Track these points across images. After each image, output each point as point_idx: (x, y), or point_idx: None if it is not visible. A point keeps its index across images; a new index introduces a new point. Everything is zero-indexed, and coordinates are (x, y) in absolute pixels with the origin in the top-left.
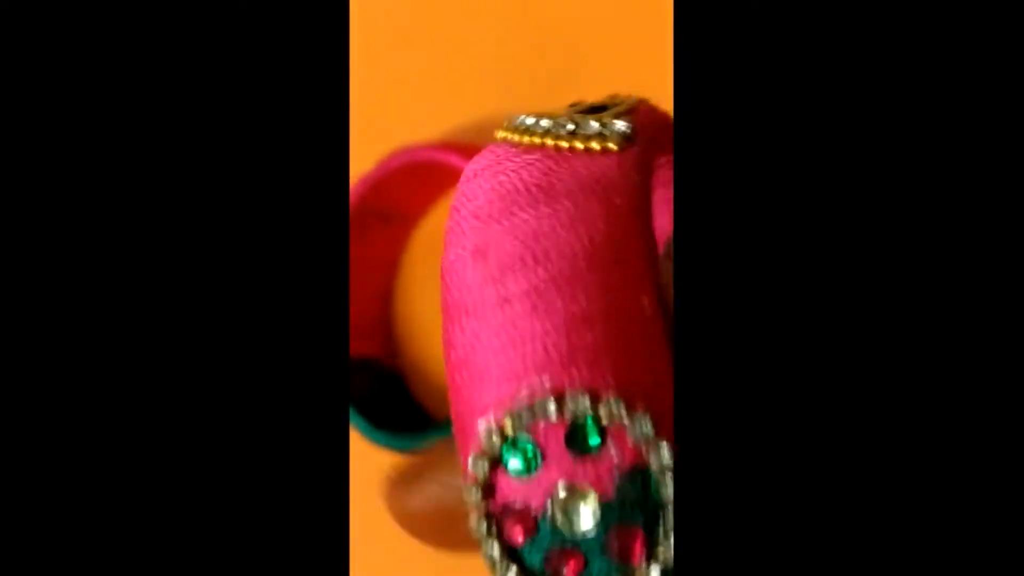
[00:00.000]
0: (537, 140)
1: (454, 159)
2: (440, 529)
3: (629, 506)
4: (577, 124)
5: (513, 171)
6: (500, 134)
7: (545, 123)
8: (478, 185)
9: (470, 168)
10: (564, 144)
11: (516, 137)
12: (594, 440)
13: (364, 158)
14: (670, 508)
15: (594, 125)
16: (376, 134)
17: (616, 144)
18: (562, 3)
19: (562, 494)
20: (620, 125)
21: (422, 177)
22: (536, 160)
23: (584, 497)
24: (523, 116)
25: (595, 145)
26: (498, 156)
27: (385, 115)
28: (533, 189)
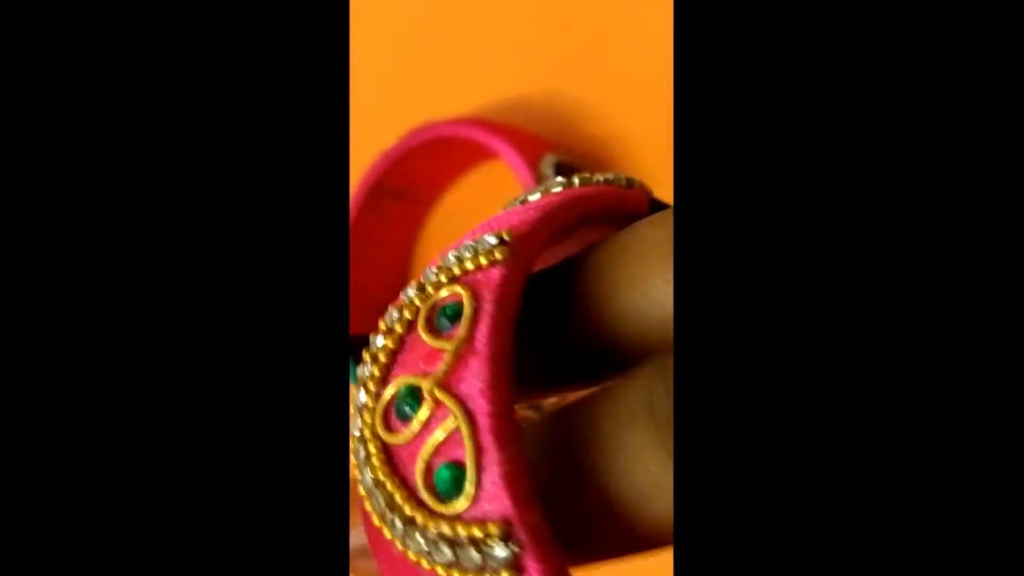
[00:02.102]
0: (425, 564)
1: (479, 135)
2: None
3: None
4: (453, 545)
5: None
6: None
7: (415, 542)
8: None
9: None
10: None
11: (405, 550)
12: None
13: (389, 136)
14: None
15: (473, 556)
16: (402, 112)
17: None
18: None
19: None
20: (500, 554)
21: (444, 154)
22: None
23: None
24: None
25: None
26: None
27: (411, 93)
28: None
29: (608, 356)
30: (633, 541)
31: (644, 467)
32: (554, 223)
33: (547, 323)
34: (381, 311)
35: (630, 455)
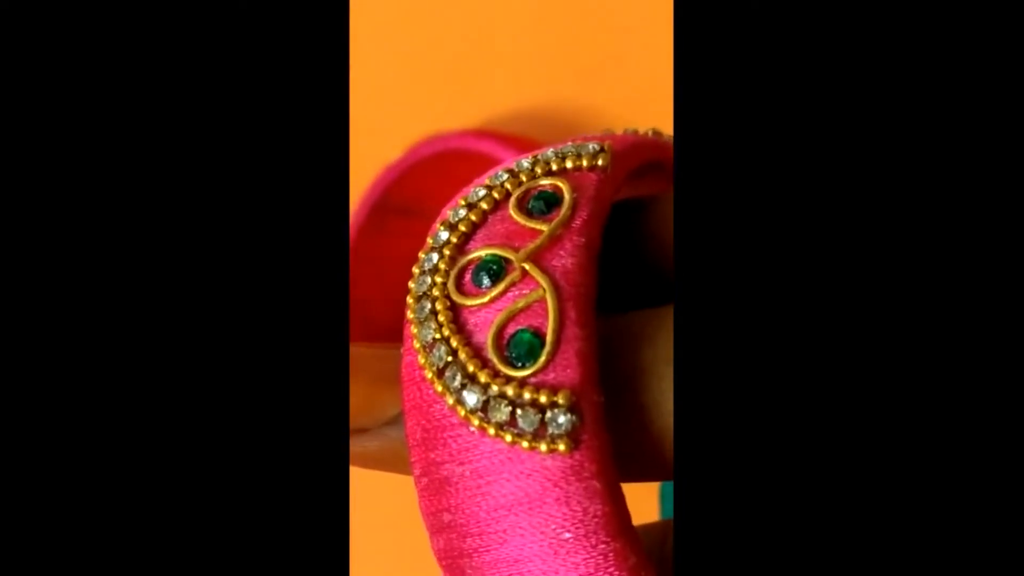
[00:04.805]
0: (476, 422)
1: (490, 147)
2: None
3: None
4: (514, 405)
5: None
6: (435, 385)
7: (472, 397)
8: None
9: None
10: (508, 438)
11: (456, 406)
12: None
13: (394, 148)
14: None
15: (533, 418)
16: (408, 123)
17: (564, 445)
18: None
19: None
20: (563, 420)
21: (453, 167)
22: (492, 462)
23: None
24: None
25: (543, 448)
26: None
27: (417, 104)
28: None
29: (671, 283)
30: (662, 468)
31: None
32: (644, 151)
33: (621, 246)
34: (388, 326)
35: (666, 389)
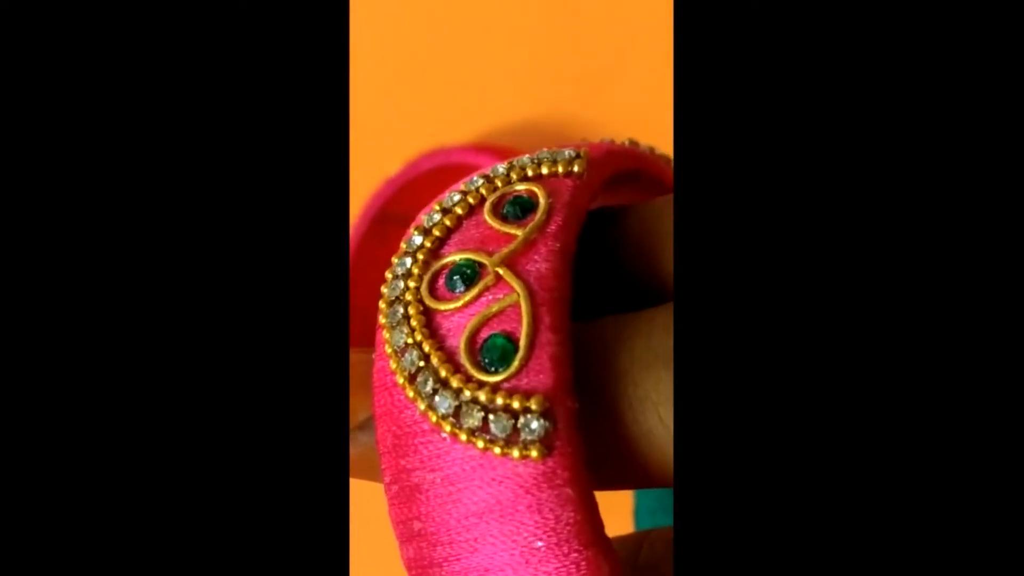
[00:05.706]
0: (447, 428)
1: (489, 161)
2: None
3: None
4: (486, 411)
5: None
6: (409, 392)
7: (444, 402)
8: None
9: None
10: (480, 444)
11: (427, 412)
12: None
13: (393, 162)
14: None
15: (505, 424)
16: (407, 137)
17: (537, 451)
18: (598, 7)
19: None
20: (536, 426)
21: (452, 180)
22: (465, 469)
23: None
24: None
25: (515, 454)
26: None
27: (416, 117)
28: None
29: (647, 291)
30: (637, 476)
31: (654, 409)
32: (619, 159)
33: (596, 254)
34: None
35: (643, 396)
